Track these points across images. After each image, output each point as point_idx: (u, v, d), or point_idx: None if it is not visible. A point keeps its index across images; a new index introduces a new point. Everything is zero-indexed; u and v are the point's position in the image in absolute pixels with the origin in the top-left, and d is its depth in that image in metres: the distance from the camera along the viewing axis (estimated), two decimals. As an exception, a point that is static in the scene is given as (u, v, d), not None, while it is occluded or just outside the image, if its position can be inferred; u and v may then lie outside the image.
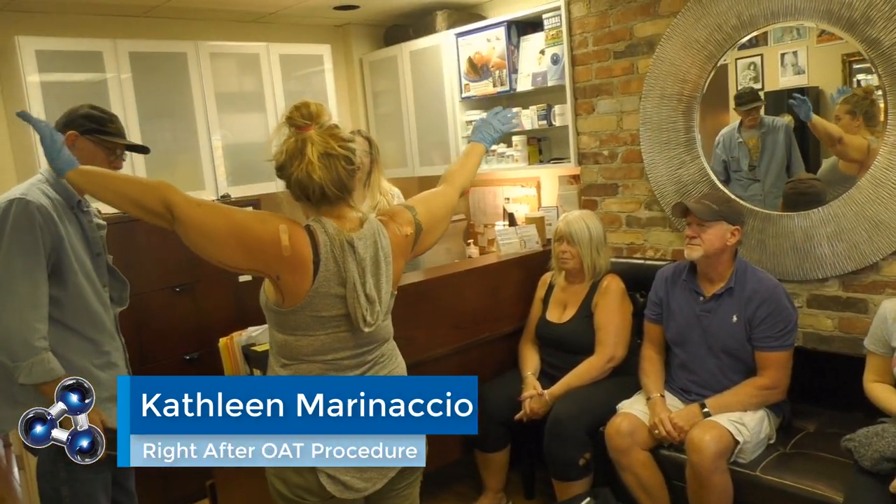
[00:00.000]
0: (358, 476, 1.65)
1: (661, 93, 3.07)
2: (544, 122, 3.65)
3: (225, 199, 3.59)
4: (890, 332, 2.15)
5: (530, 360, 3.02)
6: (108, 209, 1.86)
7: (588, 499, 2.54)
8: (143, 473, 2.12)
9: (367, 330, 1.62)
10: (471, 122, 4.00)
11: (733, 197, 2.89)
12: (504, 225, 3.79)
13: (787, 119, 2.91)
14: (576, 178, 3.63)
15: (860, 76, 2.65)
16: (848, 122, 2.68)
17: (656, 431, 2.46)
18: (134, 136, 3.30)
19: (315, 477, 1.62)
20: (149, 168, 3.31)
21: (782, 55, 2.84)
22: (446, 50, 4.01)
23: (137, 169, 3.29)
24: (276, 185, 1.68)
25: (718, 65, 2.92)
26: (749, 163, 3.02)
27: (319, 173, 1.57)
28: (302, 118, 1.58)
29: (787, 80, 2.85)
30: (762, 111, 2.95)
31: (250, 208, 1.67)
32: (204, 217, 1.57)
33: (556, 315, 3.01)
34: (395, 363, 1.80)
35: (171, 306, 3.30)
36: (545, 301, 3.09)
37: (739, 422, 2.34)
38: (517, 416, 2.84)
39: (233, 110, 3.73)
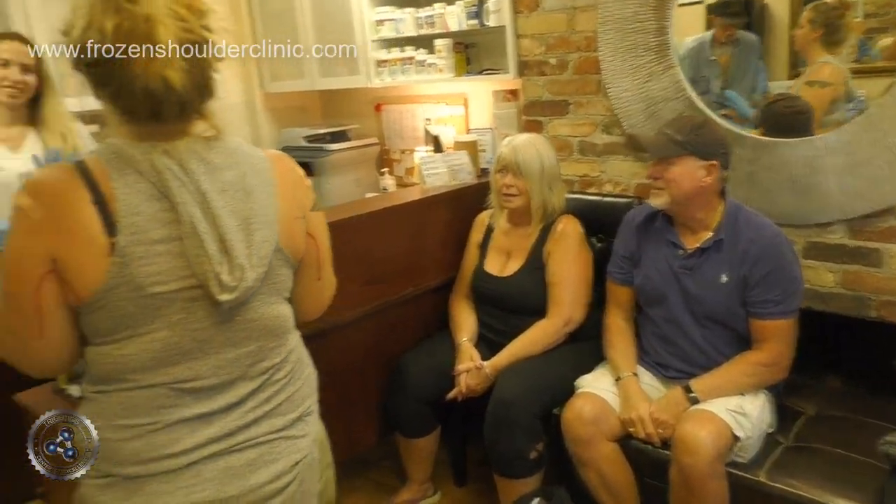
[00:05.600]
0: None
1: (627, -18, 2.42)
2: (475, 21, 2.93)
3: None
4: None
5: (465, 323, 2.42)
6: None
7: (538, 499, 2.04)
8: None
9: (224, 298, 0.98)
10: (382, 21, 3.23)
11: (713, 117, 2.35)
12: (427, 151, 3.10)
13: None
14: (514, 93, 2.96)
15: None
16: (808, 31, 2.28)
17: (632, 429, 1.94)
18: None
19: None
20: None
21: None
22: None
23: None
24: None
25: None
26: (721, 84, 2.52)
27: None
28: None
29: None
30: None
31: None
32: None
33: (496, 266, 2.41)
34: (301, 381, 1.19)
35: None
36: (482, 247, 2.48)
37: (740, 411, 1.83)
38: (450, 395, 2.27)
39: None
